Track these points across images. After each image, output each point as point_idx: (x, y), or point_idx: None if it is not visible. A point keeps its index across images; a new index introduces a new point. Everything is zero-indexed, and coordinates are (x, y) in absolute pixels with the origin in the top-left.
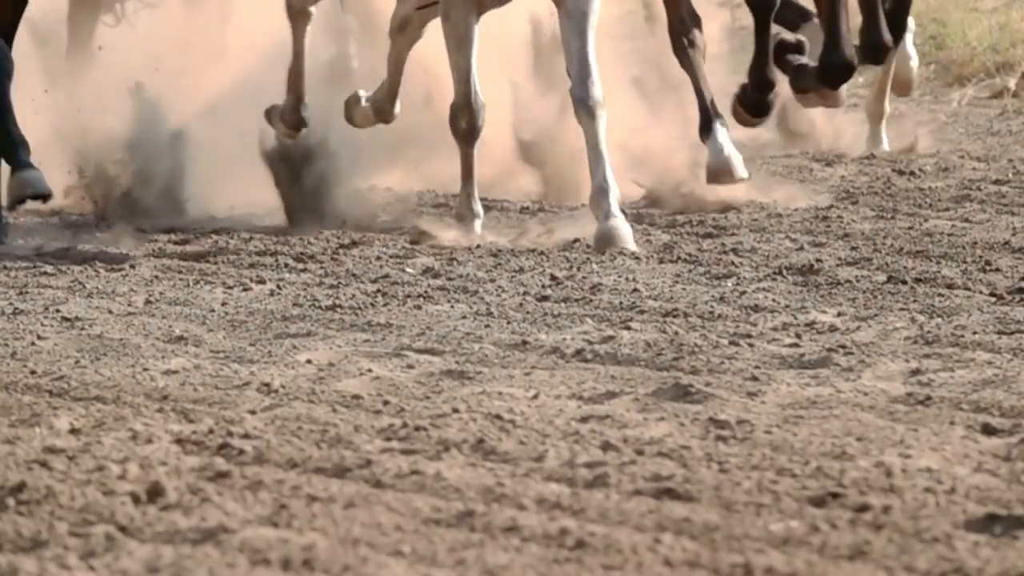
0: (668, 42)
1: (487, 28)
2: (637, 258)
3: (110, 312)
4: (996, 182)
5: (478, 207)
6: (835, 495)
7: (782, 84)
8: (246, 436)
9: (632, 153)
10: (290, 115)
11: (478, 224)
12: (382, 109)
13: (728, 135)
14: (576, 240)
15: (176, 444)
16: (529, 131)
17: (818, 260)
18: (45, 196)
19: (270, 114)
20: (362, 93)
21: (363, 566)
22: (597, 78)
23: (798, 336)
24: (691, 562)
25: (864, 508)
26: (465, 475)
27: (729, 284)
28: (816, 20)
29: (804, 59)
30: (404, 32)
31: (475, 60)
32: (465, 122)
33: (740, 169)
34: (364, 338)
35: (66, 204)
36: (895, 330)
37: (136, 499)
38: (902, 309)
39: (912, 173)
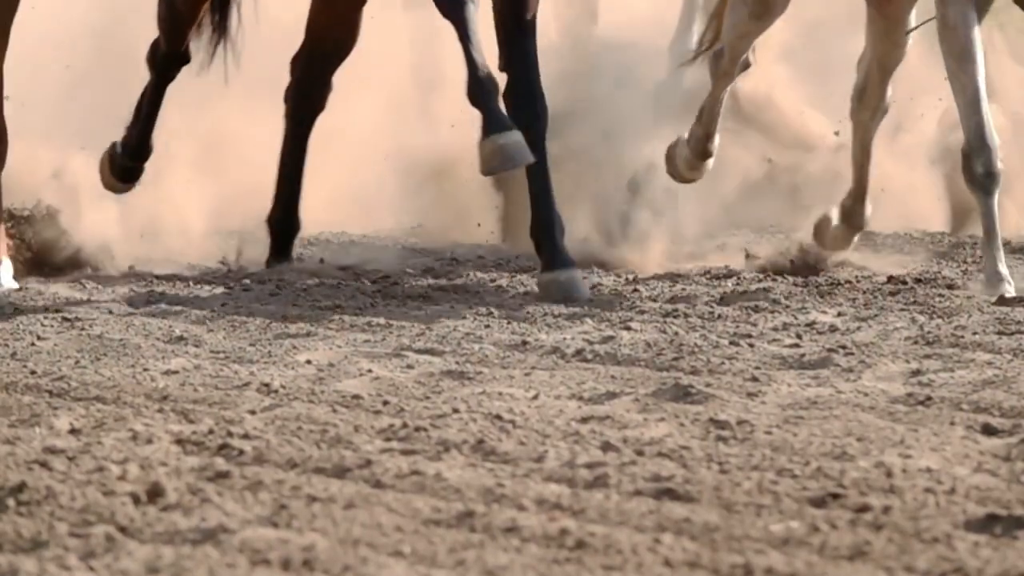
0: None
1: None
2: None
3: (110, 312)
4: None
5: (1004, 269)
6: (835, 495)
7: None
8: (246, 436)
9: None
10: (697, 144)
11: (1008, 288)
12: (851, 213)
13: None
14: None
15: (176, 444)
16: None
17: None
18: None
19: (669, 153)
20: (833, 213)
21: (363, 566)
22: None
23: (798, 336)
24: (691, 562)
25: (864, 508)
26: (465, 475)
27: (729, 284)
28: None
29: None
30: (864, 100)
31: (983, 80)
32: (981, 166)
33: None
34: (364, 338)
35: None
36: (895, 330)
37: (136, 499)
38: (902, 309)
39: None
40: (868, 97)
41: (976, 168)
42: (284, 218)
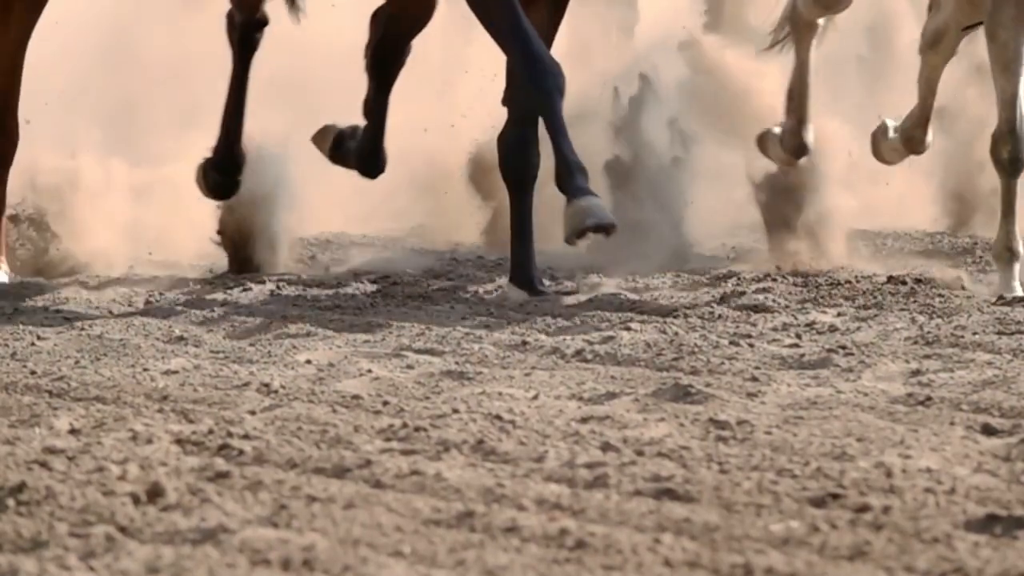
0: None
1: None
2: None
3: (110, 312)
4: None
5: (1018, 245)
6: (835, 495)
7: None
8: (246, 436)
9: None
10: (791, 139)
11: (1016, 266)
12: (913, 138)
13: None
14: None
15: (176, 444)
16: None
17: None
18: (608, 227)
19: (763, 140)
20: (889, 123)
21: (363, 566)
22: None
23: (798, 336)
24: (691, 562)
25: (864, 508)
26: (465, 475)
27: (729, 284)
28: None
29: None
30: (937, 48)
31: (1023, 84)
32: (1007, 151)
33: None
34: (364, 338)
35: None
36: (895, 330)
37: (136, 499)
38: (902, 309)
39: None
40: (943, 48)
41: (1002, 153)
42: (370, 157)
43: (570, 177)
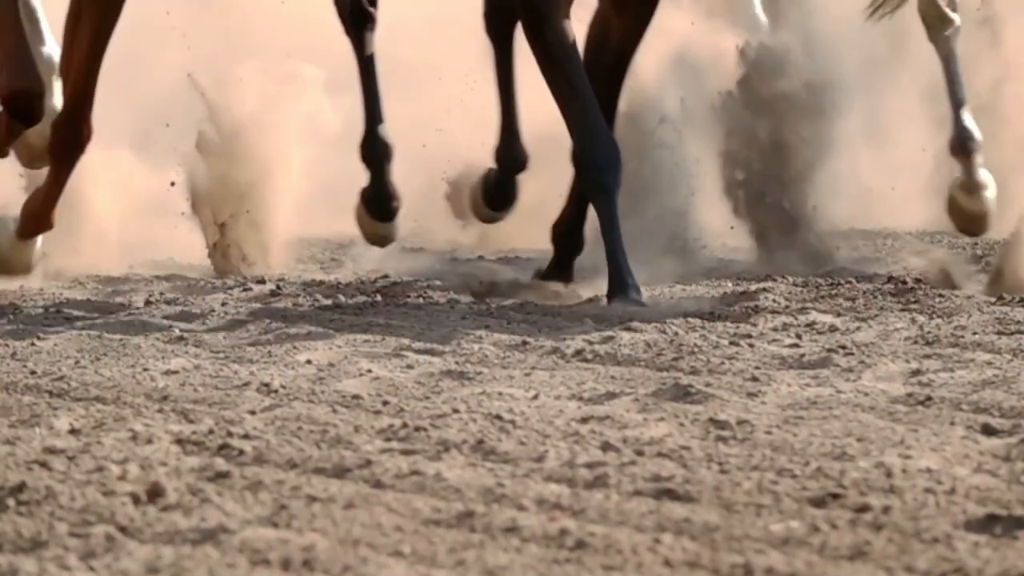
0: None
1: None
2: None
3: (110, 312)
4: None
5: None
6: (835, 495)
7: None
8: (246, 436)
9: None
10: (953, 133)
11: None
12: None
13: None
14: None
15: (176, 444)
16: None
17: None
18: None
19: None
20: None
21: (363, 566)
22: None
23: (798, 336)
24: (691, 562)
25: (864, 508)
26: (465, 475)
27: (729, 284)
28: None
29: None
30: None
31: None
32: None
33: None
34: (364, 338)
35: None
36: (895, 330)
37: (136, 499)
38: (902, 309)
39: None
40: None
41: None
42: (508, 153)
43: (623, 296)
